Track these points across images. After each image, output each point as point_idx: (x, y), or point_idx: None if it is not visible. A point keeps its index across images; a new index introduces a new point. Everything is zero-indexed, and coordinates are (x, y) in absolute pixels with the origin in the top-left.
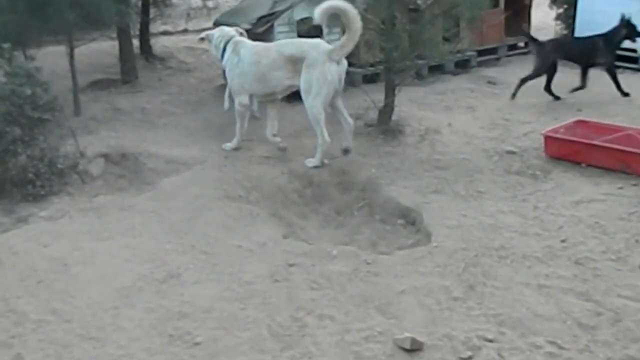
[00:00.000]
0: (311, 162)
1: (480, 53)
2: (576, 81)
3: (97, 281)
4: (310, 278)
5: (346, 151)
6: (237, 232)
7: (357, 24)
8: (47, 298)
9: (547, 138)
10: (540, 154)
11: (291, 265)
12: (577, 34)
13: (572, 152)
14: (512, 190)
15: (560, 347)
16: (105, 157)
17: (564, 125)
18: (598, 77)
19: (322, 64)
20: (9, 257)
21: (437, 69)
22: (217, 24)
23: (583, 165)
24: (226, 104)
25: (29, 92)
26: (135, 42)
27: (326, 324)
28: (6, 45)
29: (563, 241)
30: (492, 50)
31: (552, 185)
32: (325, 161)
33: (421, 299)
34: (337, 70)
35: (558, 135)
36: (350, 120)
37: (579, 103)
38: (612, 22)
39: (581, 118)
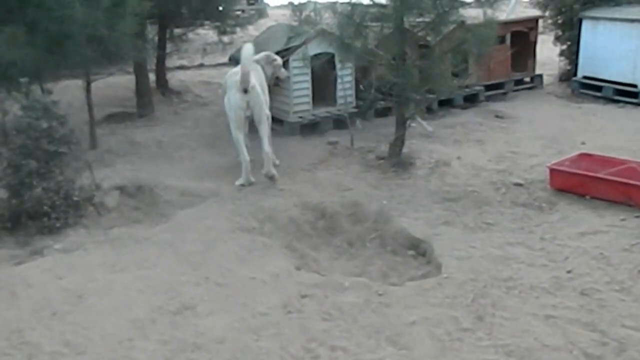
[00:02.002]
0: (238, 181)
1: (488, 88)
2: None
3: (112, 313)
4: (322, 309)
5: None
6: (250, 264)
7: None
8: (61, 330)
9: (552, 171)
10: (546, 186)
11: (304, 296)
12: (580, 70)
13: (576, 184)
14: (519, 222)
15: None
16: (121, 189)
17: (568, 159)
18: (601, 111)
19: (229, 90)
20: (24, 289)
21: (446, 103)
22: (232, 59)
23: (587, 197)
24: None
25: (45, 125)
26: (152, 76)
27: (338, 355)
28: (23, 79)
29: (569, 272)
30: (499, 85)
31: (557, 217)
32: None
33: (431, 329)
34: (242, 98)
35: (563, 168)
36: (266, 148)
37: (583, 137)
38: (614, 59)
39: (585, 151)
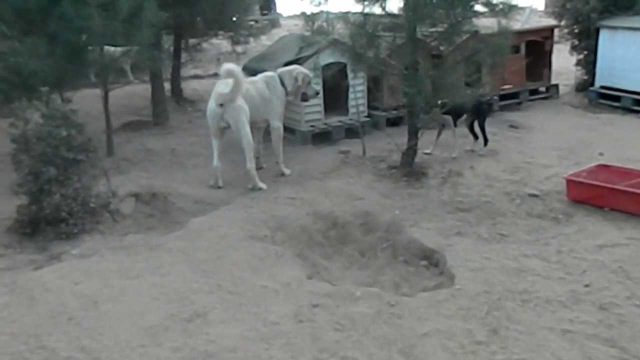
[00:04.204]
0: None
1: (502, 97)
2: None
3: (126, 319)
4: (334, 319)
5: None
6: (262, 272)
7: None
8: (77, 335)
9: (569, 182)
10: (563, 198)
11: (315, 305)
12: (597, 79)
13: (594, 196)
14: (534, 233)
15: None
16: (136, 196)
17: (586, 169)
18: (619, 121)
19: (210, 99)
20: (41, 293)
21: None
22: (246, 69)
23: (605, 209)
24: None
25: (64, 133)
26: (167, 86)
27: None
28: (44, 89)
29: (587, 286)
30: (514, 95)
31: (574, 229)
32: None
33: (444, 342)
34: (217, 111)
35: (580, 179)
36: (247, 165)
37: (600, 147)
38: (633, 68)
39: (603, 162)
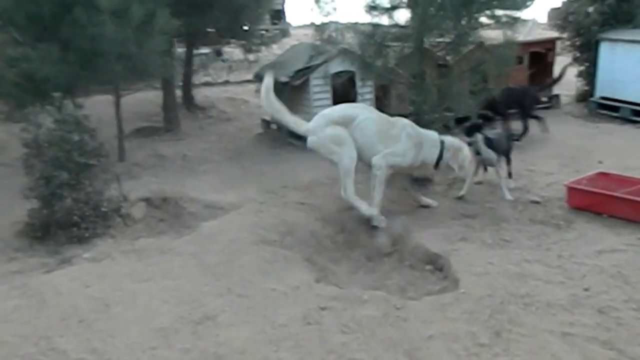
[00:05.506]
0: None
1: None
2: None
3: (136, 322)
4: (341, 322)
5: None
6: (271, 276)
7: None
8: (88, 337)
9: (570, 189)
10: (563, 205)
11: (323, 308)
12: (598, 90)
13: (594, 203)
14: (536, 239)
15: None
16: (147, 201)
17: (586, 177)
18: (618, 131)
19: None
20: (52, 296)
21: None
22: (257, 77)
23: (605, 216)
24: None
25: (76, 138)
26: (178, 92)
27: None
28: (57, 94)
29: (586, 290)
30: None
31: (575, 235)
32: None
33: (449, 344)
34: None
35: (580, 187)
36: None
37: (600, 156)
38: (632, 80)
39: (603, 170)
